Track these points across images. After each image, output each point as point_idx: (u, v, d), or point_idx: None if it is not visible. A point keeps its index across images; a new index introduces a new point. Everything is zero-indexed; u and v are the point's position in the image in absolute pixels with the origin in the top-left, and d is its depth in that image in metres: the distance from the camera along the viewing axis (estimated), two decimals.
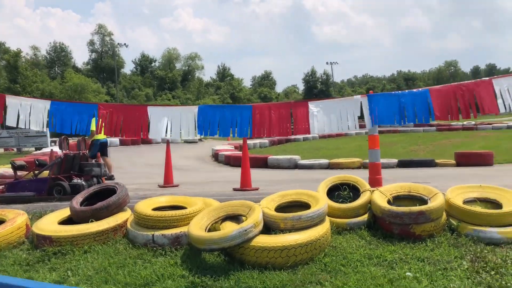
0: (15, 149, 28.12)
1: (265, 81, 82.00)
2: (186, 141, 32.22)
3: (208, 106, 4.05)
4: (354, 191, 4.84)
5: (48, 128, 4.19)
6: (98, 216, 4.74)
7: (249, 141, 27.62)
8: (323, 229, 3.98)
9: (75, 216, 4.87)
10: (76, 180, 6.84)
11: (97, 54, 74.01)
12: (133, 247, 4.39)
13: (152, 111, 3.90)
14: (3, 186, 7.39)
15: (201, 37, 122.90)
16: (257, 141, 27.30)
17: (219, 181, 10.15)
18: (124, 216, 4.81)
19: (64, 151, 7.02)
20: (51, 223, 4.74)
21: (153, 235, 4.32)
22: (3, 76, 54.49)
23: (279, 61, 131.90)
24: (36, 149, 26.29)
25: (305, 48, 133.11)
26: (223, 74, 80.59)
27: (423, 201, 4.34)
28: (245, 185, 7.08)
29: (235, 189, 7.17)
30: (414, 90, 3.90)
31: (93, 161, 7.40)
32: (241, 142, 26.88)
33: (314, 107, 3.70)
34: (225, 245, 3.82)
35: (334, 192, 4.90)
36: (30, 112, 4.18)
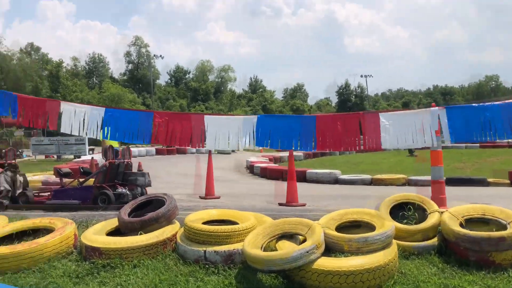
0: (55, 156, 28.87)
1: (297, 93, 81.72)
2: (220, 152, 32.28)
3: (268, 116, 3.84)
4: (418, 211, 4.48)
5: (101, 135, 4.02)
6: (147, 228, 4.57)
7: (282, 154, 27.37)
8: (391, 253, 3.65)
9: (123, 227, 4.72)
10: (121, 190, 6.75)
11: (133, 65, 75.83)
12: (184, 263, 4.18)
13: (210, 121, 3.70)
14: (50, 193, 7.41)
15: (233, 49, 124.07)
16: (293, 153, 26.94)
17: (260, 194, 9.89)
18: (173, 229, 4.62)
19: (108, 160, 6.95)
20: (99, 233, 4.61)
21: (205, 251, 4.10)
22: (45, 85, 56.50)
23: (310, 73, 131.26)
24: (75, 156, 26.93)
25: (337, 60, 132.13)
26: (255, 86, 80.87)
27: (501, 226, 3.94)
28: (291, 200, 6.80)
29: (281, 204, 6.89)
30: (500, 102, 3.55)
31: (137, 170, 7.30)
32: (274, 154, 26.69)
33: (385, 119, 3.41)
34: (285, 267, 3.55)
35: (396, 211, 4.55)
36: (84, 118, 4.05)
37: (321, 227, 3.93)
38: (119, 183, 7.10)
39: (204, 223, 4.48)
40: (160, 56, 62.05)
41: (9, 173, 7.17)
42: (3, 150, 7.85)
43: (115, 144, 10.50)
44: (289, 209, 6.26)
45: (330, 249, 3.94)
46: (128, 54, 75.27)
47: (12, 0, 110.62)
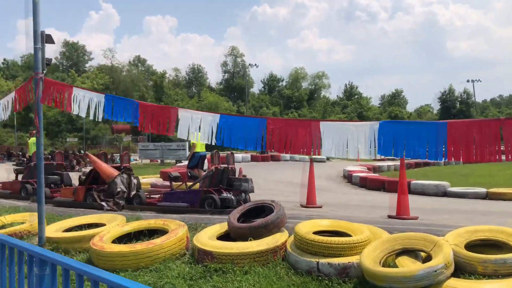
0: (159, 161, 30.80)
1: (396, 100, 78.16)
2: (315, 160, 32.01)
3: (392, 122, 3.56)
4: None
5: (215, 141, 4.06)
6: (256, 234, 4.54)
7: (381, 163, 26.23)
8: None
9: (232, 232, 4.74)
10: (226, 194, 6.86)
11: (229, 74, 78.68)
12: (295, 273, 4.05)
13: (326, 127, 3.53)
14: (160, 195, 7.81)
15: (327, 56, 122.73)
16: (391, 163, 25.72)
17: (363, 205, 9.48)
18: (282, 237, 4.52)
19: (215, 165, 7.12)
20: (210, 237, 4.68)
21: (318, 262, 3.93)
22: (151, 95, 60.99)
23: (409, 79, 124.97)
24: (176, 161, 28.54)
25: (438, 65, 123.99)
26: (350, 92, 79.07)
27: None
28: (403, 212, 6.35)
29: (390, 216, 6.47)
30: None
31: (241, 176, 7.39)
32: (372, 163, 25.61)
33: None
34: (408, 286, 3.24)
35: None
36: (199, 125, 4.13)
37: (449, 245, 3.54)
38: (224, 188, 7.23)
39: (315, 233, 4.31)
40: (255, 65, 63.32)
41: (125, 175, 7.69)
42: (112, 154, 8.48)
43: (202, 149, 10.85)
44: (401, 222, 5.83)
45: (459, 270, 3.53)
46: (224, 64, 78.32)
47: (122, 18, 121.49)
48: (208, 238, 4.64)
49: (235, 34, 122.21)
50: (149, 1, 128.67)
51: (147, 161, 31.53)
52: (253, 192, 7.24)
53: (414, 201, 10.59)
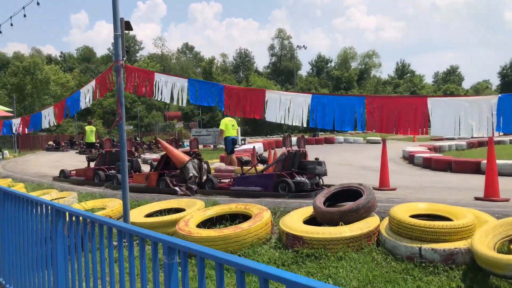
0: (211, 146, 31.18)
1: (451, 76, 74.50)
2: (368, 141, 31.16)
3: None
4: None
5: (308, 123, 3.88)
6: (346, 219, 4.36)
7: (442, 143, 25.08)
8: None
9: (320, 216, 4.59)
10: (299, 178, 6.70)
11: (276, 57, 78.00)
12: (393, 259, 3.85)
13: (434, 103, 3.25)
14: (230, 180, 7.79)
15: (375, 34, 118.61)
16: (452, 142, 24.53)
17: (439, 186, 9.02)
18: (374, 222, 4.32)
19: (287, 148, 6.97)
20: (297, 222, 4.55)
21: (420, 248, 3.69)
22: None
23: (465, 55, 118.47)
24: None
25: (496, 38, 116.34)
26: (402, 71, 76.18)
27: None
28: (492, 194, 5.92)
29: (477, 198, 6.06)
30: None
31: (314, 159, 7.19)
32: (431, 143, 24.54)
33: None
34: None
35: None
36: (289, 106, 3.96)
37: None
38: (295, 171, 7.08)
39: (411, 217, 4.07)
40: (303, 46, 62.14)
41: (196, 160, 7.72)
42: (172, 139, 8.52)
43: (234, 133, 10.80)
44: (495, 204, 5.43)
45: None
46: (271, 47, 77.72)
47: (168, 7, 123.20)
48: (295, 222, 4.52)
49: (279, 16, 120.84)
50: None
51: (200, 146, 32.00)
52: (326, 175, 7.03)
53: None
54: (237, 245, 4.40)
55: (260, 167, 8.16)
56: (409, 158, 17.28)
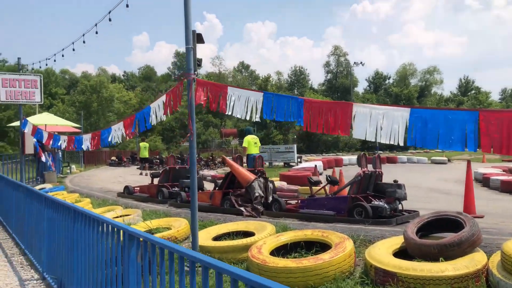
0: (267, 163, 30.86)
1: None
2: (433, 162, 29.46)
3: None
4: None
5: (405, 141, 3.36)
6: (447, 254, 3.75)
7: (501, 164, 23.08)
8: None
9: (413, 249, 4.01)
10: (378, 202, 6.11)
11: (332, 74, 77.05)
12: None
13: None
14: (297, 201, 7.32)
15: (433, 50, 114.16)
16: None
17: None
18: (482, 259, 3.67)
19: (362, 169, 6.41)
20: (385, 254, 4.00)
21: None
22: None
23: None
24: (285, 164, 28.32)
25: None
26: (466, 88, 72.40)
27: None
28: None
29: None
30: None
31: (392, 181, 6.57)
32: (505, 164, 22.67)
33: None
34: None
35: None
36: (382, 121, 3.46)
37: None
38: (371, 194, 6.50)
39: None
40: (361, 63, 60.98)
41: (261, 179, 7.34)
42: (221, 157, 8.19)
43: (256, 150, 10.38)
44: None
45: None
46: (327, 64, 76.95)
47: (224, 27, 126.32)
48: (383, 254, 3.97)
49: (334, 33, 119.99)
50: (249, 8, 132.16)
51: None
52: (406, 199, 6.37)
53: None
54: (317, 278, 3.92)
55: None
56: (483, 181, 15.95)
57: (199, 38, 4.95)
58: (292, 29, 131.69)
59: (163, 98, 5.44)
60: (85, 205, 8.42)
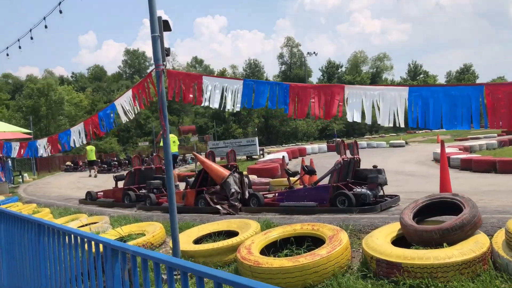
0: None
1: (465, 75, 73.10)
2: (392, 145, 30.18)
3: None
4: None
5: (406, 123, 3.14)
6: (449, 239, 3.58)
7: (470, 142, 24.07)
8: None
9: (412, 236, 3.81)
10: (360, 189, 5.93)
11: (286, 65, 77.51)
12: None
13: None
14: (274, 194, 7.04)
15: (380, 38, 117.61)
16: (482, 142, 23.49)
17: (503, 190, 8.15)
18: (485, 241, 3.53)
19: (342, 156, 6.21)
20: (384, 244, 3.78)
21: None
22: None
23: (475, 52, 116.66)
24: (247, 157, 28.06)
25: (504, 35, 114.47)
26: (415, 72, 74.98)
27: None
28: None
29: None
30: None
31: (372, 167, 6.43)
32: (461, 143, 23.53)
33: None
34: None
35: None
36: (378, 102, 3.23)
37: None
38: (351, 181, 6.32)
39: None
40: (314, 53, 61.76)
41: (236, 174, 7.00)
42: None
43: (175, 148, 10.33)
44: None
45: None
46: (280, 55, 77.30)
47: (174, 22, 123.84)
48: (382, 244, 3.75)
49: (284, 26, 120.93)
50: (199, 3, 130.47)
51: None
52: (387, 184, 6.25)
53: None
54: (316, 276, 3.65)
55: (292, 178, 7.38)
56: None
57: (166, 25, 4.52)
58: (243, 22, 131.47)
59: (129, 93, 4.96)
60: (45, 215, 7.76)
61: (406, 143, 30.52)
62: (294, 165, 17.84)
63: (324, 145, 28.36)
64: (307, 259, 3.69)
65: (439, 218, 4.19)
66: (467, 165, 13.89)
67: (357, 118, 3.36)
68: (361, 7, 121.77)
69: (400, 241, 3.98)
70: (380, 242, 3.82)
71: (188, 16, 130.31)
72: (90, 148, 20.92)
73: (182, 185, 10.28)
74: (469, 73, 74.79)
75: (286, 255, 4.24)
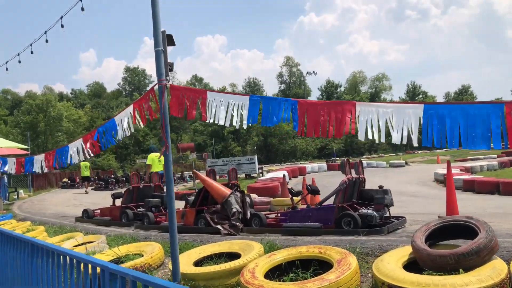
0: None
1: (463, 96, 73.53)
2: (392, 165, 30.02)
3: None
4: None
5: (421, 141, 2.99)
6: (465, 264, 3.40)
7: (471, 163, 23.95)
8: None
9: (426, 260, 3.63)
10: (366, 210, 5.75)
11: (285, 85, 78.01)
12: None
13: None
14: (276, 215, 6.85)
15: (378, 58, 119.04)
16: (484, 163, 23.38)
17: (509, 212, 7.97)
18: (503, 267, 3.34)
19: (347, 176, 6.05)
20: (395, 268, 3.59)
21: None
22: None
23: (472, 74, 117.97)
24: (246, 175, 27.84)
25: (502, 56, 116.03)
26: (414, 92, 75.41)
27: None
28: None
29: None
30: None
31: (378, 187, 6.26)
32: (462, 164, 23.39)
33: None
34: None
35: None
36: (391, 120, 3.09)
37: None
38: (356, 202, 6.15)
39: None
40: (313, 72, 62.18)
41: (238, 193, 6.83)
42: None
43: (160, 168, 10.30)
44: None
45: None
46: (280, 74, 77.89)
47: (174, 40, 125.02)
48: (394, 269, 3.56)
49: (283, 46, 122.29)
50: (200, 22, 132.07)
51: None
52: (393, 205, 6.07)
53: None
54: None
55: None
56: (445, 181, 16.15)
57: (170, 40, 4.42)
58: (243, 42, 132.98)
59: (130, 109, 4.82)
60: (39, 233, 7.53)
61: (406, 163, 30.38)
62: (294, 184, 17.63)
63: (323, 164, 28.20)
64: (315, 284, 3.49)
65: (451, 242, 4.02)
66: (469, 186, 13.74)
67: (370, 136, 3.21)
68: (360, 28, 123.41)
69: (411, 265, 3.79)
70: (392, 266, 3.63)
71: (189, 35, 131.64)
72: (84, 164, 21.07)
73: (180, 204, 10.09)
74: (468, 94, 75.23)
75: (291, 279, 4.04)
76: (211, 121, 4.03)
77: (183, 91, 4.20)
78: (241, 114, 3.89)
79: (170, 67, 4.38)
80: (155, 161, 10.20)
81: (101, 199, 15.85)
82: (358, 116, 3.28)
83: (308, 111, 3.51)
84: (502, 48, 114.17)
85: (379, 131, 3.22)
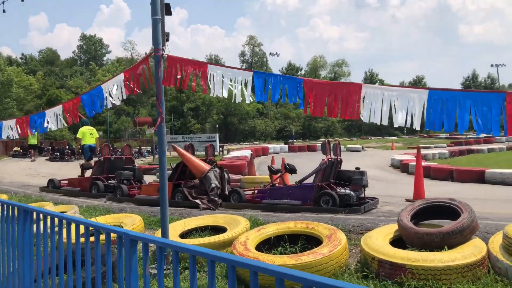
0: None
1: (418, 86, 76.37)
2: (349, 149, 30.89)
3: None
4: None
5: (423, 125, 3.15)
6: (449, 242, 3.65)
7: (424, 151, 25.08)
8: None
9: (412, 237, 3.85)
10: (344, 190, 5.96)
11: (247, 64, 77.53)
12: None
13: None
14: (253, 191, 6.95)
15: (338, 44, 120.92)
16: (435, 151, 24.59)
17: (467, 198, 8.48)
18: (482, 245, 3.62)
19: (327, 156, 6.22)
20: (384, 244, 3.80)
21: None
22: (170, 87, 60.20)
23: (427, 65, 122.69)
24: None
25: (453, 50, 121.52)
26: (371, 79, 77.37)
27: None
28: None
29: None
30: None
31: (354, 168, 6.49)
32: (413, 152, 24.46)
33: None
34: None
35: None
36: (395, 104, 3.22)
37: None
38: (333, 182, 6.35)
39: None
40: (276, 53, 62.28)
41: (217, 169, 6.85)
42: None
43: (92, 140, 10.45)
44: None
45: None
46: (242, 53, 77.28)
47: (132, 11, 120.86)
48: (383, 245, 3.76)
49: (245, 24, 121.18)
50: None
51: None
52: (368, 186, 6.33)
53: (500, 191, 9.66)
54: (317, 274, 3.58)
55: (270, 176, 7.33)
56: (402, 167, 16.89)
57: (167, 9, 4.31)
58: (204, 17, 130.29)
59: (120, 77, 4.68)
60: None
61: (362, 148, 31.36)
62: (258, 163, 17.80)
63: (285, 146, 28.56)
64: (310, 257, 3.62)
65: (433, 221, 4.27)
66: (426, 173, 14.40)
67: (374, 119, 3.33)
68: (321, 12, 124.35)
69: (396, 242, 4.01)
70: (381, 243, 3.82)
71: (147, 5, 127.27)
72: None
73: (147, 178, 9.96)
74: (421, 84, 78.14)
75: (280, 253, 4.17)
76: (212, 94, 4.00)
77: (182, 62, 4.13)
78: (246, 88, 3.90)
79: (166, 37, 4.28)
80: (86, 134, 10.10)
81: (58, 170, 15.37)
82: (363, 98, 3.38)
83: (314, 91, 3.57)
84: (455, 42, 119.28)
85: (381, 114, 3.33)
